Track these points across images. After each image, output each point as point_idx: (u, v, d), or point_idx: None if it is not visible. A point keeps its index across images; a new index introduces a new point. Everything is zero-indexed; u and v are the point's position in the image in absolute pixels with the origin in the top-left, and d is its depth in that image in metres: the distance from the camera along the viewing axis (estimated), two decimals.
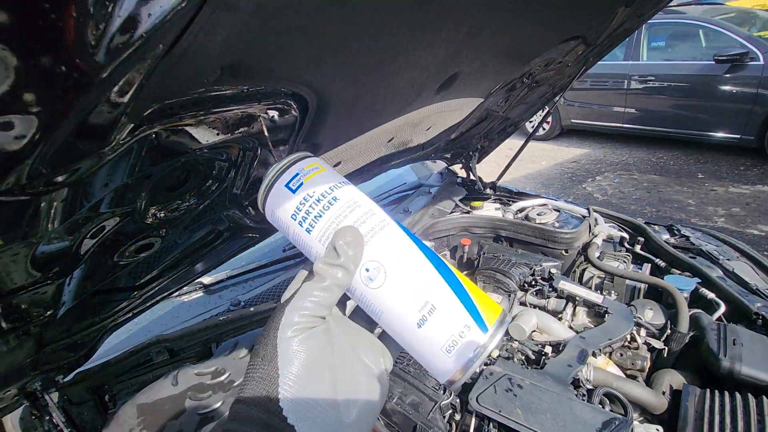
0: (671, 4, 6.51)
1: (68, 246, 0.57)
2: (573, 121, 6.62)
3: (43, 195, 0.38)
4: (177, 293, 1.45)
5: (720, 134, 5.12)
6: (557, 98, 2.20)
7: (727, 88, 4.93)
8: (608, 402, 1.12)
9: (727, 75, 4.90)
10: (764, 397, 1.06)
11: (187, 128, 0.50)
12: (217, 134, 0.56)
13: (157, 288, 1.07)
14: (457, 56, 0.97)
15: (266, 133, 0.66)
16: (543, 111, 2.56)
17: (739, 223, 3.96)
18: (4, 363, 0.78)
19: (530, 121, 6.03)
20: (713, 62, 4.96)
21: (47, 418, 0.97)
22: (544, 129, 6.94)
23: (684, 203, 4.49)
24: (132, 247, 0.73)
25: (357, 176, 1.47)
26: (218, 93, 0.50)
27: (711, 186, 4.76)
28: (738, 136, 4.99)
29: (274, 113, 0.62)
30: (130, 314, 1.07)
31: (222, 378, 1.09)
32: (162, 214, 0.70)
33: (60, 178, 0.37)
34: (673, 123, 5.54)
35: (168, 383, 1.09)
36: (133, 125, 0.40)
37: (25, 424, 1.12)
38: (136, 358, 1.18)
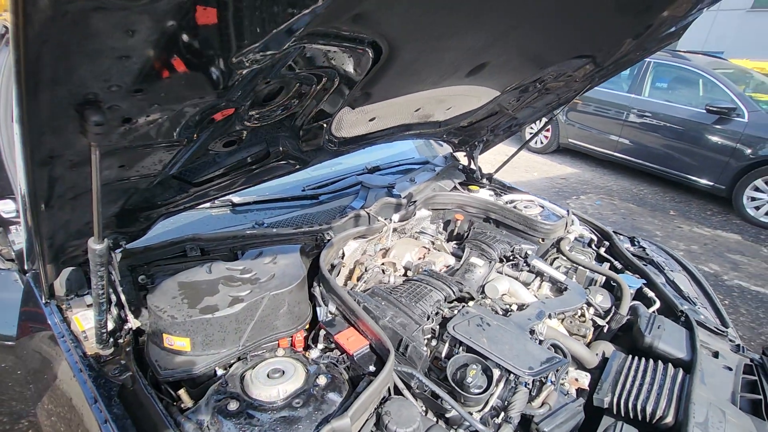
0: (680, 49, 6.85)
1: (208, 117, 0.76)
2: (570, 140, 6.96)
3: (239, 69, 0.59)
4: (209, 206, 1.65)
5: (697, 179, 5.55)
6: (559, 109, 2.45)
7: (712, 137, 5.34)
8: (554, 350, 1.39)
9: (715, 125, 5.29)
10: (670, 364, 1.36)
11: (314, 51, 0.71)
12: (323, 61, 0.77)
13: (205, 191, 1.27)
14: (491, 47, 1.19)
15: (345, 69, 0.87)
16: (543, 120, 2.82)
17: (694, 259, 4.38)
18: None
19: (530, 129, 6.31)
20: (705, 111, 5.35)
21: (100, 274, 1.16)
22: (542, 142, 7.27)
23: (652, 233, 4.90)
24: (223, 140, 0.92)
25: (380, 137, 1.68)
26: (338, 30, 0.71)
27: (679, 223, 5.19)
28: (711, 184, 5.43)
29: (359, 54, 0.83)
30: (181, 207, 1.26)
31: (249, 275, 1.29)
32: (256, 119, 0.90)
33: (258, 56, 0.58)
34: (659, 160, 5.94)
35: (203, 270, 1.29)
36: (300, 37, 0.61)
37: (70, 285, 1.31)
38: (173, 249, 1.37)
